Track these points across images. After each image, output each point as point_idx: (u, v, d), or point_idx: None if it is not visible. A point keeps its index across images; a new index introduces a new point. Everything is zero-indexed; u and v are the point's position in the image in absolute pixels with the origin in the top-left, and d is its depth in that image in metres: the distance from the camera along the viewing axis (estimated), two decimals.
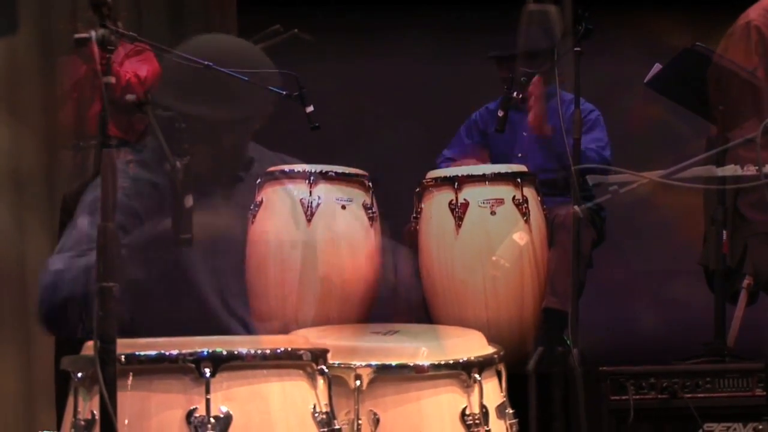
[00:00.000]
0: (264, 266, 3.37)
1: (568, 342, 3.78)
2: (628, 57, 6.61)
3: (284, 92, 3.37)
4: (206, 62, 3.26)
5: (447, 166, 5.47)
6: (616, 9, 6.03)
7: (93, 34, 2.51)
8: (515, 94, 4.20)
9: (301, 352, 2.70)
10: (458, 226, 3.54)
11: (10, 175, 5.05)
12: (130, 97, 2.97)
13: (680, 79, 4.76)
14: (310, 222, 3.32)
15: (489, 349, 3.12)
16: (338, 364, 2.90)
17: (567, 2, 3.79)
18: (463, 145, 5.72)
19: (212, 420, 2.55)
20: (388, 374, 2.92)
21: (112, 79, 2.50)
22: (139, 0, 5.82)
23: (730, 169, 4.24)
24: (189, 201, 2.92)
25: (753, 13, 4.75)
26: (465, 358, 2.99)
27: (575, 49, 3.88)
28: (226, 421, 2.56)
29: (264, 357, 2.64)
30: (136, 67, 5.14)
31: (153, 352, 2.60)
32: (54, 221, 4.84)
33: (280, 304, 3.33)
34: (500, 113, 4.24)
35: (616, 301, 6.79)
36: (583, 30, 3.88)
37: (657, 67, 4.80)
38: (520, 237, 3.57)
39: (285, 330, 3.25)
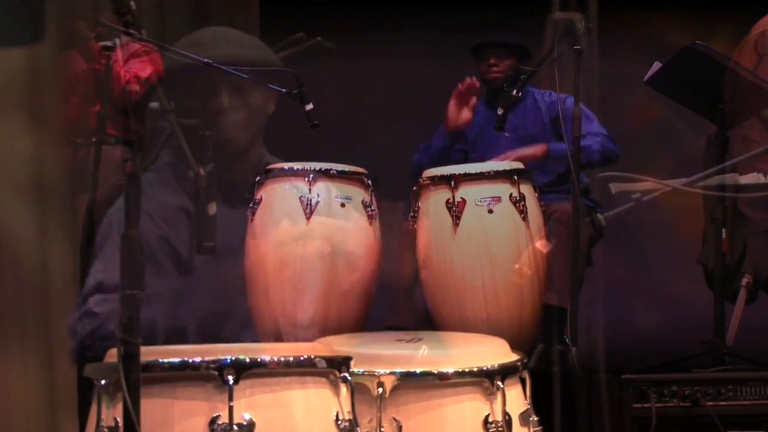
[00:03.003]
0: (263, 264, 3.37)
1: (567, 340, 3.78)
2: (628, 56, 6.60)
3: (284, 90, 3.38)
4: (206, 60, 3.28)
5: (426, 147, 5.49)
6: (616, 9, 6.03)
7: (117, 41, 2.52)
8: (515, 93, 4.19)
9: (324, 359, 2.70)
10: (456, 224, 3.53)
11: (32, 181, 5.05)
12: (153, 104, 2.98)
13: (680, 78, 4.75)
14: (309, 220, 3.32)
15: (512, 357, 3.12)
16: (362, 371, 2.90)
17: (592, 6, 3.78)
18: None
19: (235, 427, 2.55)
20: (411, 382, 2.93)
21: (122, 82, 2.52)
22: (163, 2, 5.83)
23: (753, 177, 4.24)
24: (212, 208, 2.93)
25: None
26: (488, 366, 2.99)
27: (575, 47, 3.87)
28: (249, 428, 2.56)
29: (287, 364, 2.64)
30: (140, 67, 5.11)
31: (176, 360, 2.61)
32: (77, 229, 4.84)
33: (279, 302, 3.33)
34: (500, 111, 4.23)
35: (615, 299, 6.78)
36: (583, 29, 3.88)
37: (657, 65, 4.80)
38: (542, 245, 3.57)
39: (286, 328, 3.26)
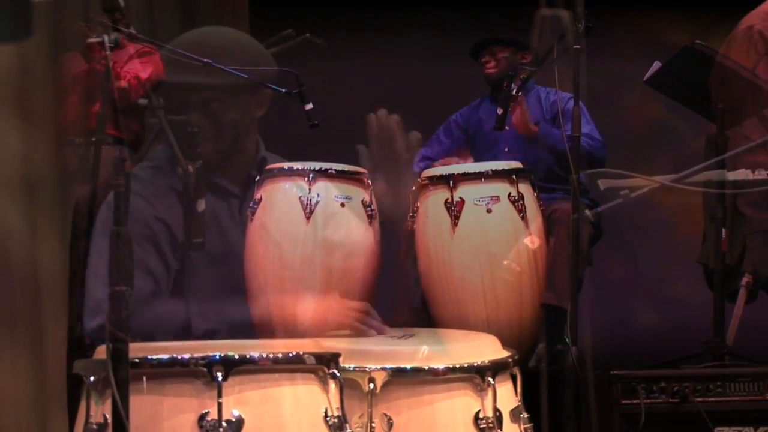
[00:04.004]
0: (262, 264, 3.37)
1: (568, 340, 3.78)
2: (627, 56, 6.61)
3: (283, 90, 3.38)
4: (205, 60, 3.28)
5: (427, 166, 5.50)
6: (616, 8, 6.03)
7: (106, 38, 2.51)
8: (515, 92, 4.20)
9: (313, 355, 2.70)
10: (454, 224, 3.54)
11: (22, 178, 5.05)
12: (142, 101, 2.97)
13: (680, 77, 4.75)
14: (309, 219, 3.32)
15: (503, 353, 3.13)
16: (352, 367, 2.91)
17: (579, 3, 3.79)
18: (440, 145, 5.75)
19: (224, 424, 2.55)
20: (402, 377, 2.93)
21: (123, 83, 2.51)
22: (152, 1, 5.83)
23: (741, 174, 4.24)
24: (201, 205, 2.93)
25: (754, 17, 4.75)
26: (479, 362, 3.00)
27: (575, 46, 3.87)
28: (237, 424, 2.57)
29: (276, 361, 2.65)
30: (139, 68, 5.09)
31: (165, 356, 2.61)
32: (66, 225, 4.84)
33: (279, 302, 3.33)
34: (499, 111, 4.23)
35: (615, 299, 6.79)
36: (582, 28, 3.88)
37: (656, 65, 4.80)
38: (531, 241, 3.57)
39: (285, 328, 3.26)
